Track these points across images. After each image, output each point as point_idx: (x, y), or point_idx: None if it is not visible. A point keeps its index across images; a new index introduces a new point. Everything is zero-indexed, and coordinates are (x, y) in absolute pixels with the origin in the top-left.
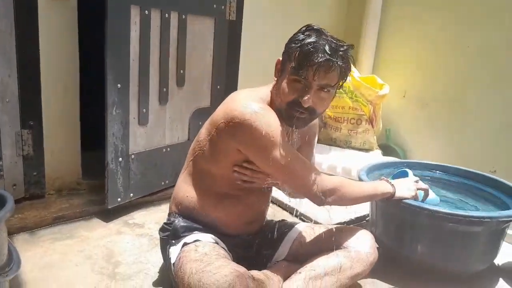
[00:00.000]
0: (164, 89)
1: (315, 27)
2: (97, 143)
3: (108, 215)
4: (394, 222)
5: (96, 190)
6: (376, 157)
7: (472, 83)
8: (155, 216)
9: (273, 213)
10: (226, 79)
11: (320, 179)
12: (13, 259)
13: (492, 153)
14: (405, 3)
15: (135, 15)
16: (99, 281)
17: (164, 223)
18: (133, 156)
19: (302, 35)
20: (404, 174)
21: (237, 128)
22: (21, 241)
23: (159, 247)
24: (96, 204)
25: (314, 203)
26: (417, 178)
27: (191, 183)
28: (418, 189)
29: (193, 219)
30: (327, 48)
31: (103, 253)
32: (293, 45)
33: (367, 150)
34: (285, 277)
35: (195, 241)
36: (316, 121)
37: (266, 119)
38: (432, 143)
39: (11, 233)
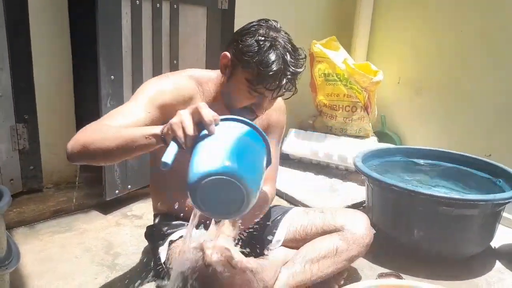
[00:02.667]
0: None
1: (272, 26)
2: None
3: (107, 207)
4: (390, 207)
5: (94, 183)
6: (372, 144)
7: (467, 68)
8: None
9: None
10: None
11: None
12: (12, 253)
13: (487, 137)
14: None
15: (125, 5)
16: (99, 272)
17: (147, 227)
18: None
19: (258, 43)
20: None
21: None
22: (20, 234)
23: None
24: (94, 197)
25: None
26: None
27: (160, 180)
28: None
29: (173, 217)
30: (285, 72)
31: (103, 245)
32: (249, 55)
33: (362, 137)
34: (283, 263)
35: (180, 237)
36: (283, 116)
37: (154, 81)
38: (428, 129)
39: (10, 227)
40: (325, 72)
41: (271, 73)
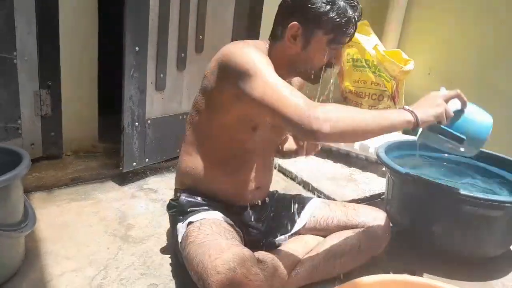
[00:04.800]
0: (183, 54)
1: None
2: (114, 106)
3: (123, 179)
4: (410, 201)
5: (112, 154)
6: (395, 135)
7: (502, 66)
8: (169, 182)
9: (286, 187)
10: None
11: (311, 103)
12: (28, 216)
13: None
14: None
15: None
16: (111, 243)
17: (171, 199)
18: (149, 121)
19: (326, 2)
20: None
21: (226, 65)
22: (38, 199)
23: None
24: (111, 168)
25: (306, 136)
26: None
27: (192, 153)
28: (447, 100)
29: (198, 193)
30: (355, 13)
31: (117, 216)
32: (325, 15)
33: None
34: (303, 253)
35: (200, 219)
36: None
37: (250, 50)
38: None
39: (28, 191)
40: (353, 57)
41: (349, 21)
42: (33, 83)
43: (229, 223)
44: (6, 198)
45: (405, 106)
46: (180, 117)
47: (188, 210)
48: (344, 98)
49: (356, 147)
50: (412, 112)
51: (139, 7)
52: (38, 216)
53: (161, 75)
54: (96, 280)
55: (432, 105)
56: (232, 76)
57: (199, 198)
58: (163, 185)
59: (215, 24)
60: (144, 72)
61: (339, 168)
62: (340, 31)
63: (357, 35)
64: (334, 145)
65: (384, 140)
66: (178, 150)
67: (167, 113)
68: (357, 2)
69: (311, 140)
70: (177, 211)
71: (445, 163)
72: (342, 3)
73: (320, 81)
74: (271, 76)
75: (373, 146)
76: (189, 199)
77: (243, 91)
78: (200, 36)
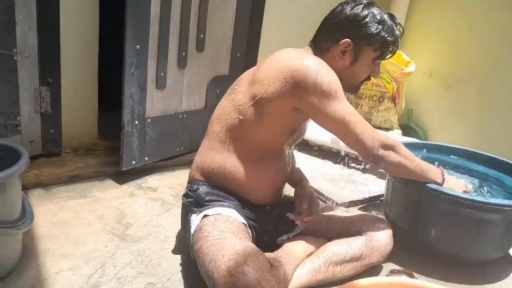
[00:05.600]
0: (183, 53)
1: (365, 2)
2: (114, 105)
3: (122, 177)
4: (409, 204)
5: (112, 152)
6: (396, 137)
7: (503, 66)
8: (168, 181)
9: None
10: (246, 47)
11: (377, 133)
12: (26, 213)
13: None
14: None
15: None
16: (109, 241)
17: (188, 189)
18: (149, 120)
19: (377, 23)
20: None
21: (301, 80)
22: (36, 196)
23: (171, 212)
24: (110, 166)
25: (366, 157)
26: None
27: (222, 151)
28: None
29: (220, 188)
30: (399, 32)
31: (115, 214)
32: (377, 35)
33: (387, 129)
34: (304, 255)
35: (216, 214)
36: None
37: (328, 69)
38: (457, 126)
39: (26, 188)
40: None
41: (396, 39)
42: (33, 80)
43: (242, 222)
44: (4, 195)
45: (443, 171)
46: (180, 115)
47: (205, 203)
48: None
49: None
50: (443, 177)
51: (140, 6)
52: (36, 213)
53: (162, 73)
54: (93, 279)
55: (457, 187)
56: (306, 93)
57: (218, 193)
58: (162, 184)
59: (216, 22)
60: (145, 70)
61: (339, 169)
62: (388, 49)
63: None
64: (333, 146)
65: None
66: (177, 149)
67: (168, 111)
68: (398, 21)
69: (366, 162)
70: (194, 201)
71: (445, 165)
72: (390, 22)
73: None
74: (347, 101)
75: None
76: (208, 192)
77: (321, 110)
78: (201, 35)
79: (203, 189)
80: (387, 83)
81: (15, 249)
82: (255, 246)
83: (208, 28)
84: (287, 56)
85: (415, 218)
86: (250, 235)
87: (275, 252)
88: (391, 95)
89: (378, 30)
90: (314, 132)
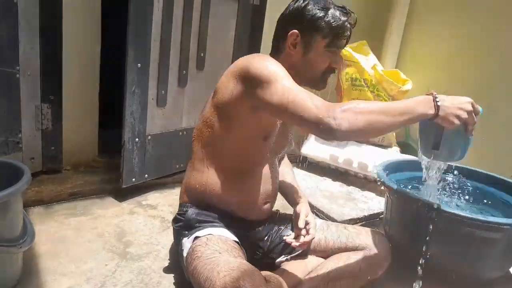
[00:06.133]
0: (184, 71)
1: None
2: (114, 121)
3: (122, 194)
4: (409, 221)
5: (111, 169)
6: (394, 154)
7: (499, 85)
8: (168, 199)
9: (283, 206)
10: None
11: (329, 103)
12: (27, 231)
13: None
14: None
15: None
16: (110, 259)
17: (177, 213)
18: (149, 137)
19: (321, 9)
20: None
21: (245, 75)
22: (36, 214)
23: (171, 230)
24: (110, 183)
25: (326, 135)
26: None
27: (202, 169)
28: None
29: (207, 208)
30: (348, 17)
31: (115, 232)
32: (321, 20)
33: (385, 147)
34: (303, 274)
35: (207, 235)
36: None
37: (268, 59)
38: None
39: (27, 205)
40: (352, 76)
41: (343, 24)
42: (34, 97)
43: (235, 241)
44: (6, 213)
45: (434, 94)
46: (181, 133)
47: (195, 225)
48: None
49: (355, 165)
50: (437, 107)
51: (141, 26)
52: (37, 231)
53: (163, 91)
54: None
55: (460, 105)
56: (251, 85)
57: (207, 213)
58: (162, 201)
59: (216, 41)
60: (146, 89)
61: (338, 187)
62: (336, 34)
63: (355, 54)
64: (332, 163)
65: (383, 158)
66: (177, 166)
67: (168, 129)
68: (349, 10)
69: (332, 139)
70: (183, 225)
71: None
72: (334, 11)
73: (323, 86)
74: (288, 81)
75: (372, 164)
76: (197, 213)
77: (263, 98)
78: (202, 54)
79: (191, 211)
80: (385, 101)
81: (15, 267)
82: (249, 263)
83: (208, 47)
84: (239, 60)
85: (415, 236)
86: (244, 252)
87: (274, 272)
88: None
89: (321, 15)
90: (313, 148)
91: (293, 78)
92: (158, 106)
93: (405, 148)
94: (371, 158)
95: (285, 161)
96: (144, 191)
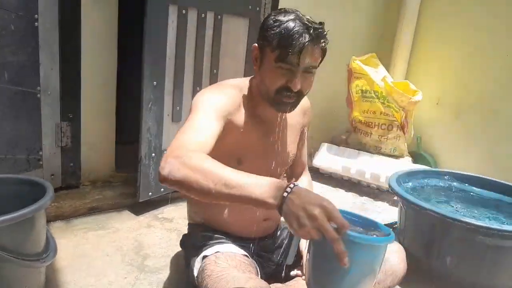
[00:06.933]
0: (198, 88)
1: (287, 9)
2: (130, 136)
3: (139, 208)
4: (423, 231)
5: (128, 183)
6: (406, 164)
7: (509, 93)
8: (183, 212)
9: None
10: None
11: (184, 146)
12: (50, 247)
13: None
14: (444, 8)
15: (173, 14)
16: (129, 272)
17: (184, 235)
18: (166, 152)
19: (277, 20)
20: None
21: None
22: (57, 228)
23: None
24: (128, 197)
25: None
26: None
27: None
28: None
29: (210, 227)
30: (306, 30)
31: (133, 245)
32: (271, 31)
33: (397, 157)
34: None
35: (215, 253)
36: (310, 109)
37: (209, 90)
38: (467, 154)
39: (48, 220)
40: (362, 88)
41: (292, 36)
42: (54, 116)
43: (243, 254)
44: (31, 229)
45: (293, 184)
46: None
47: (201, 244)
48: (353, 128)
49: (367, 176)
50: (281, 199)
51: (157, 45)
52: (58, 245)
53: (177, 107)
54: None
55: (304, 207)
56: None
57: (211, 233)
58: (178, 214)
59: (228, 58)
60: (161, 105)
61: (351, 197)
62: (284, 47)
63: (365, 67)
64: (344, 174)
65: (395, 168)
66: None
67: None
68: (313, 23)
69: (159, 179)
70: (191, 246)
71: (459, 193)
72: (291, 23)
73: (284, 109)
74: (198, 115)
75: (385, 175)
76: (202, 233)
77: None
78: (215, 71)
79: (196, 232)
80: (395, 112)
81: (39, 282)
82: (258, 278)
83: (220, 64)
84: None
85: (429, 246)
86: (254, 265)
87: (286, 283)
88: (400, 123)
89: (273, 26)
90: (325, 159)
91: (258, 96)
92: (173, 122)
93: (416, 157)
94: (384, 169)
95: (305, 172)
96: (160, 204)
